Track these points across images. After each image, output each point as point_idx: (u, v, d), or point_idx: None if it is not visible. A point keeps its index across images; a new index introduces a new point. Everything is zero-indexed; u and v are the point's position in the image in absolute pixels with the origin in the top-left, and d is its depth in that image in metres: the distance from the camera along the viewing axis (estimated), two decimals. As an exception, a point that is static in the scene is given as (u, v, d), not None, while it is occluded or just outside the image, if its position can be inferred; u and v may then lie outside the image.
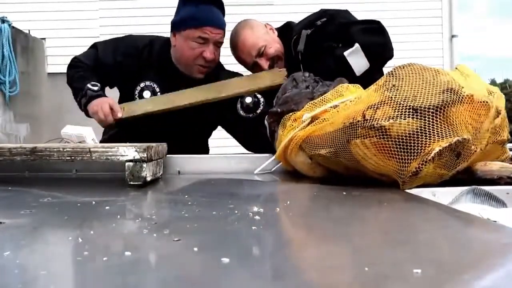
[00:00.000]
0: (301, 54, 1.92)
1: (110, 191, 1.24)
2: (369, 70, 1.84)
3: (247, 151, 2.04)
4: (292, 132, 1.35)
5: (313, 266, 0.60)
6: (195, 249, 0.63)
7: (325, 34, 1.91)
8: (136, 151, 1.25)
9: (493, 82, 11.10)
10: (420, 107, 1.10)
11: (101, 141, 2.06)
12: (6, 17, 5.01)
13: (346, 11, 2.02)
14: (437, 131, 1.08)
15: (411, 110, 1.10)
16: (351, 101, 1.28)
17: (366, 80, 1.42)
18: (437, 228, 0.79)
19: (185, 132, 1.96)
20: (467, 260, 0.60)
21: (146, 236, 0.73)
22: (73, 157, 1.28)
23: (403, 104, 1.11)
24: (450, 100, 1.10)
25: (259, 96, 1.92)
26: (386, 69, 1.80)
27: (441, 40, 6.25)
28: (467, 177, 1.19)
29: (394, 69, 1.21)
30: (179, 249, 0.65)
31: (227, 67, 2.08)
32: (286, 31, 2.05)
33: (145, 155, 1.25)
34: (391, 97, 1.14)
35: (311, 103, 1.38)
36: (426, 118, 1.09)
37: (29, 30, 5.61)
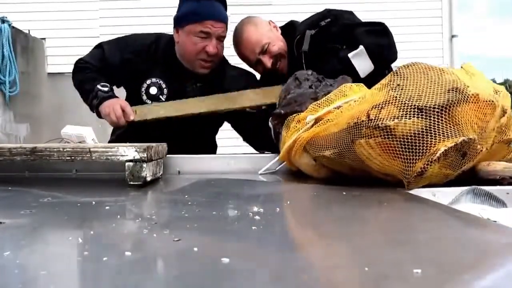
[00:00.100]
0: (304, 55, 1.92)
1: (110, 191, 1.24)
2: (373, 72, 1.84)
3: (250, 152, 2.04)
4: (296, 134, 1.35)
5: (313, 266, 0.60)
6: (195, 249, 0.63)
7: (329, 35, 1.91)
8: (136, 151, 1.25)
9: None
10: (425, 106, 1.09)
11: (109, 142, 2.09)
12: (6, 17, 5.01)
13: (350, 12, 2.02)
14: (442, 131, 1.07)
15: (416, 110, 1.09)
16: (355, 101, 1.27)
17: (370, 82, 1.41)
18: (437, 228, 0.79)
19: (192, 129, 1.97)
20: (467, 260, 0.60)
21: (146, 236, 0.73)
22: (73, 157, 1.28)
23: (408, 103, 1.10)
24: (456, 100, 1.09)
25: None
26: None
27: (441, 40, 6.25)
28: (470, 177, 1.18)
29: (399, 68, 1.20)
30: (179, 249, 0.65)
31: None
32: (289, 30, 2.04)
33: (145, 155, 1.25)
34: (396, 97, 1.13)
35: (315, 104, 1.37)
36: (431, 118, 1.08)
37: (29, 30, 5.61)
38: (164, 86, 1.94)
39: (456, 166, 1.12)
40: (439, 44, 6.24)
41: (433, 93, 1.11)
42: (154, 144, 1.36)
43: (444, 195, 1.08)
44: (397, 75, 1.18)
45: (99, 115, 1.92)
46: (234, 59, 2.10)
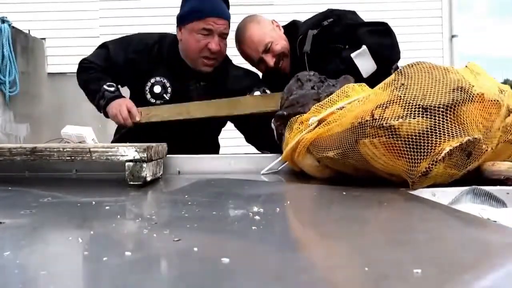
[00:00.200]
0: (306, 55, 1.92)
1: (110, 191, 1.24)
2: (376, 72, 1.84)
3: (252, 152, 2.04)
4: (299, 135, 1.34)
5: (313, 266, 0.60)
6: (195, 249, 0.63)
7: (332, 35, 1.91)
8: (136, 151, 1.25)
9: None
10: (430, 106, 1.08)
11: (113, 141, 2.11)
12: (6, 17, 5.01)
13: (353, 12, 2.02)
14: (447, 131, 1.07)
15: (420, 109, 1.08)
16: (359, 101, 1.26)
17: (373, 82, 1.41)
18: (437, 228, 0.79)
19: (196, 129, 1.97)
20: (467, 260, 0.60)
21: (146, 236, 0.73)
22: (73, 157, 1.28)
23: (412, 103, 1.10)
24: (461, 99, 1.08)
25: (267, 91, 1.92)
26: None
27: (441, 40, 6.25)
28: (475, 177, 1.17)
29: (403, 68, 1.20)
30: (179, 249, 0.65)
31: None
32: (292, 30, 2.04)
33: (145, 155, 1.25)
34: (400, 96, 1.12)
35: (318, 105, 1.36)
36: (436, 117, 1.07)
37: (29, 30, 5.61)
38: (168, 84, 1.95)
39: (461, 166, 1.11)
40: (439, 44, 6.23)
41: (438, 93, 1.10)
42: (154, 144, 1.36)
43: (444, 195, 1.08)
44: (402, 75, 1.18)
45: (106, 115, 1.93)
46: (237, 59, 2.10)
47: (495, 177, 1.16)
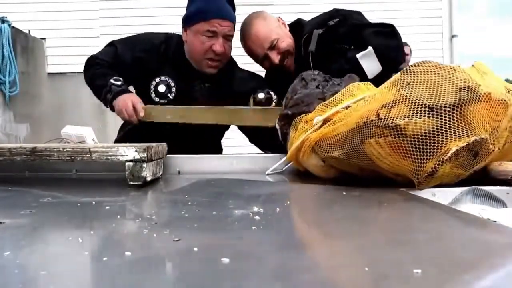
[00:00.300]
0: (311, 54, 1.92)
1: (110, 191, 1.24)
2: (381, 73, 1.83)
3: (254, 152, 2.04)
4: (303, 135, 1.33)
5: (313, 266, 0.60)
6: (195, 249, 0.63)
7: (337, 35, 1.91)
8: (136, 151, 1.25)
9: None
10: (436, 105, 1.07)
11: (117, 138, 2.14)
12: (6, 17, 5.01)
13: (359, 13, 2.01)
14: (454, 130, 1.06)
15: (427, 109, 1.07)
16: (364, 100, 1.26)
17: (377, 83, 1.41)
18: (437, 228, 0.79)
19: (199, 131, 1.98)
20: (467, 260, 0.60)
21: (146, 236, 0.73)
22: (73, 157, 1.28)
23: (418, 102, 1.09)
24: (467, 99, 1.07)
25: (271, 92, 1.92)
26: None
27: (441, 40, 6.25)
28: (481, 177, 1.16)
29: (409, 67, 1.19)
30: (179, 249, 0.65)
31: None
32: (297, 29, 2.03)
33: (145, 155, 1.25)
34: (406, 96, 1.11)
35: (323, 105, 1.35)
36: (443, 117, 1.06)
37: (29, 30, 5.61)
38: (172, 84, 1.96)
39: (467, 166, 1.11)
40: (439, 44, 6.24)
41: (444, 92, 1.09)
42: (154, 144, 1.36)
43: (444, 195, 1.08)
44: (407, 74, 1.17)
45: (113, 109, 1.93)
46: (241, 59, 2.09)
47: (501, 177, 1.15)
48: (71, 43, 5.86)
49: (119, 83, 1.90)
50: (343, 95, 1.35)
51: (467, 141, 1.05)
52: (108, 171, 1.47)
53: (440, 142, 1.06)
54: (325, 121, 1.31)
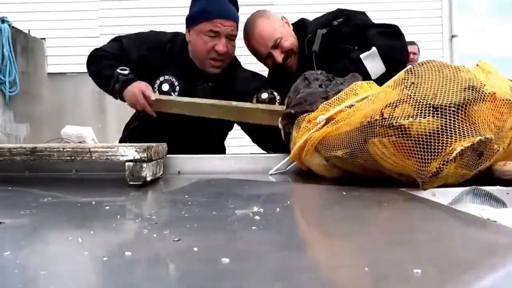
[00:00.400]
0: (315, 54, 1.91)
1: (110, 191, 1.24)
2: (384, 74, 1.83)
3: (257, 152, 2.04)
4: (307, 134, 1.33)
5: (313, 266, 0.60)
6: (195, 249, 0.63)
7: (341, 35, 1.90)
8: (136, 151, 1.25)
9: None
10: (440, 105, 1.07)
11: (121, 138, 2.15)
12: (6, 17, 5.01)
13: (363, 13, 2.01)
14: (458, 130, 1.05)
15: (431, 109, 1.07)
16: (368, 100, 1.25)
17: (380, 84, 1.41)
18: (437, 228, 0.79)
19: (203, 131, 1.98)
20: (467, 260, 0.60)
21: (146, 236, 0.73)
22: (73, 157, 1.28)
23: (423, 102, 1.08)
24: (472, 98, 1.07)
25: (275, 93, 1.92)
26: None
27: (441, 40, 6.25)
28: (485, 177, 1.16)
29: (413, 66, 1.18)
30: (179, 249, 0.65)
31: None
32: (300, 28, 2.03)
33: (145, 155, 1.25)
34: (410, 95, 1.10)
35: (326, 104, 1.35)
36: (447, 117, 1.06)
37: (29, 30, 5.61)
38: (176, 83, 1.96)
39: (472, 166, 1.10)
40: (439, 44, 6.23)
41: (448, 92, 1.08)
42: (154, 144, 1.36)
43: (444, 195, 1.08)
44: (412, 73, 1.16)
45: (123, 100, 1.92)
46: (245, 59, 2.09)
47: (506, 177, 1.15)
48: (71, 43, 5.85)
49: (126, 72, 1.89)
50: (346, 94, 1.34)
51: (472, 141, 1.05)
52: (108, 171, 1.47)
53: (445, 142, 1.05)
54: (328, 120, 1.30)
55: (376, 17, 2.05)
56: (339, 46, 1.90)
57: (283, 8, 5.33)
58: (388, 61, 1.83)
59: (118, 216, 0.90)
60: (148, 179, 1.27)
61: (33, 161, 1.31)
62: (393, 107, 1.11)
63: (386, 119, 1.11)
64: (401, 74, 1.21)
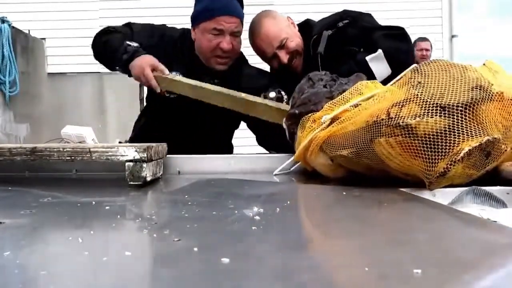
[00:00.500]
0: (320, 55, 1.91)
1: (110, 191, 1.24)
2: (390, 76, 1.82)
3: (261, 152, 2.04)
4: (311, 134, 1.32)
5: (313, 266, 0.60)
6: (195, 249, 0.63)
7: (347, 37, 1.89)
8: (136, 151, 1.25)
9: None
10: (448, 105, 1.06)
11: (130, 137, 2.16)
12: (6, 17, 5.01)
13: (369, 15, 2.00)
14: (466, 130, 1.04)
15: (438, 108, 1.06)
16: (373, 99, 1.24)
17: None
18: (437, 228, 0.79)
19: (209, 128, 1.98)
20: (467, 260, 0.60)
21: (146, 236, 0.73)
22: (73, 157, 1.28)
23: (430, 101, 1.07)
24: (480, 98, 1.06)
25: (282, 92, 1.91)
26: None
27: (441, 40, 6.26)
28: (492, 177, 1.15)
29: (420, 66, 1.18)
30: (179, 249, 0.65)
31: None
32: (306, 29, 2.03)
33: (145, 155, 1.25)
34: (417, 95, 1.10)
35: (331, 103, 1.34)
36: (455, 117, 1.05)
37: (29, 30, 5.61)
38: None
39: (479, 166, 1.09)
40: (439, 44, 6.24)
41: (456, 91, 1.08)
42: (154, 144, 1.36)
43: (444, 195, 1.08)
44: (418, 73, 1.15)
45: (129, 73, 1.88)
46: (253, 59, 2.08)
47: None
48: (71, 43, 5.86)
49: (135, 44, 1.87)
50: (351, 94, 1.33)
51: (479, 141, 1.04)
52: (108, 171, 1.47)
53: (452, 142, 1.04)
54: (333, 120, 1.30)
55: (376, 17, 2.05)
56: (344, 48, 1.89)
57: (283, 8, 5.34)
58: (394, 63, 1.81)
59: (118, 216, 0.90)
60: (148, 179, 1.27)
61: (33, 161, 1.31)
62: (400, 106, 1.11)
63: (393, 119, 1.10)
64: (407, 73, 1.20)
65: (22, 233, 0.76)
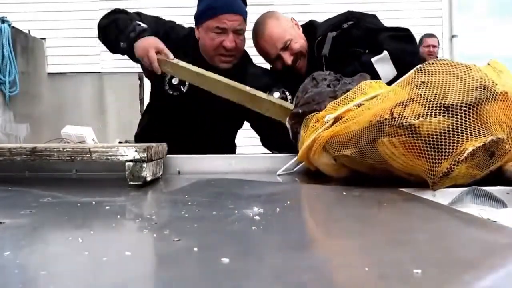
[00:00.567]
0: (325, 57, 1.90)
1: (110, 191, 1.24)
2: (395, 78, 1.81)
3: (264, 152, 2.03)
4: (314, 133, 1.32)
5: (313, 266, 0.60)
6: (195, 249, 0.63)
7: (352, 38, 1.89)
8: (136, 151, 1.25)
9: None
10: (451, 104, 1.05)
11: (136, 133, 2.18)
12: (6, 17, 5.01)
13: (374, 16, 2.00)
14: (470, 130, 1.04)
15: (442, 108, 1.05)
16: (377, 98, 1.24)
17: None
18: (437, 228, 0.79)
19: (212, 127, 1.98)
20: (467, 260, 0.60)
21: (146, 236, 0.73)
22: (73, 157, 1.28)
23: (433, 101, 1.07)
24: (484, 98, 1.05)
25: (287, 92, 1.91)
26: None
27: (441, 40, 6.25)
28: (496, 177, 1.14)
29: (423, 65, 1.17)
30: (179, 249, 0.65)
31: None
32: (310, 30, 2.02)
33: (145, 155, 1.25)
34: (421, 94, 1.09)
35: (334, 103, 1.34)
36: (458, 116, 1.04)
37: (29, 30, 5.61)
38: None
39: (483, 166, 1.09)
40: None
41: (459, 91, 1.07)
42: (154, 144, 1.36)
43: (444, 195, 1.08)
44: (422, 72, 1.15)
45: (133, 54, 1.85)
46: (257, 59, 2.08)
47: None
48: (71, 43, 5.86)
49: (144, 26, 1.86)
50: (355, 93, 1.32)
51: (483, 141, 1.03)
52: (108, 171, 1.47)
53: (456, 142, 1.04)
54: (336, 119, 1.29)
55: (376, 17, 2.05)
56: (349, 49, 1.88)
57: (283, 8, 5.33)
58: (400, 65, 1.80)
59: (118, 216, 0.90)
60: (148, 179, 1.27)
61: (33, 161, 1.31)
62: (403, 106, 1.10)
63: (396, 119, 1.09)
64: (411, 73, 1.20)
65: (22, 233, 0.76)
